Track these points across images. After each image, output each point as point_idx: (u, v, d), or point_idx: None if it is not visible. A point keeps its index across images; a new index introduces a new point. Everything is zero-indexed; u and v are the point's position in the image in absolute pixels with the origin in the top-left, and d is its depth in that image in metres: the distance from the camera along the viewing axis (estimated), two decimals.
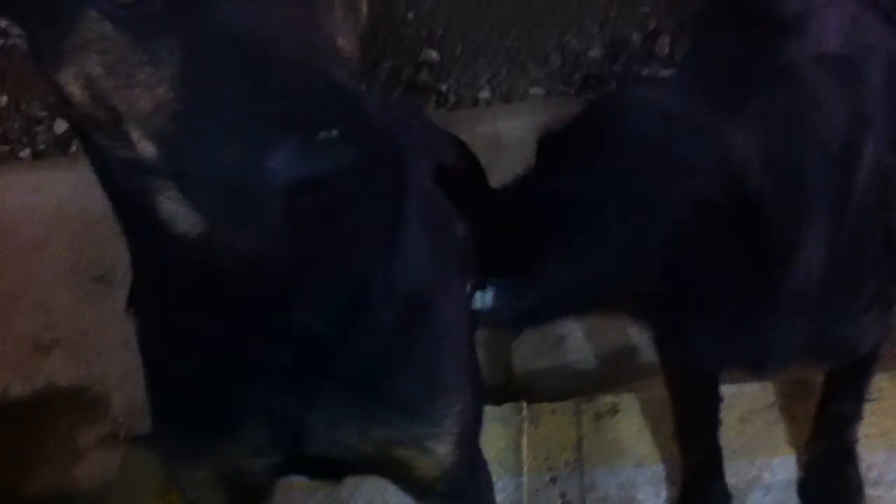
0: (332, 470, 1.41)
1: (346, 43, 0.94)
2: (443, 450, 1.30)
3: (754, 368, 1.75)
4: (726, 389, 2.03)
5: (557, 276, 1.45)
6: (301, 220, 0.82)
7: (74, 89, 0.90)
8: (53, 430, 2.62)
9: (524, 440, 2.12)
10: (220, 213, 0.86)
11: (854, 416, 1.91)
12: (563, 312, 1.59)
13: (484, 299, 1.38)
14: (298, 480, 1.45)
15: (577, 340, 2.57)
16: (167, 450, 1.34)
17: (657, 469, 2.04)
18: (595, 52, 3.98)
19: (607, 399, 2.18)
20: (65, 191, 3.48)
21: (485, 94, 3.89)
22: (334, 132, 0.78)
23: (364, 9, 0.99)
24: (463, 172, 1.84)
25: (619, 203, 1.40)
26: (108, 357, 2.78)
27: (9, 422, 2.67)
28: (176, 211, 0.99)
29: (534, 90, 3.84)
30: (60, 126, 3.94)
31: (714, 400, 1.91)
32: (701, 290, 1.58)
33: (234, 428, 1.23)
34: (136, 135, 0.90)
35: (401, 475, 1.37)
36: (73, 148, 3.84)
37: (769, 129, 1.41)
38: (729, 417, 2.06)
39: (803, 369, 1.97)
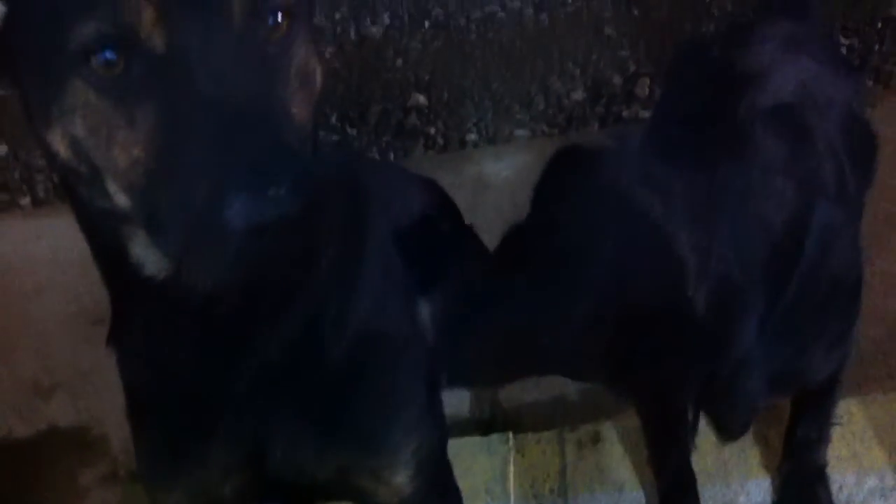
0: (301, 497, 1.48)
1: (299, 111, 1.05)
2: (400, 480, 1.40)
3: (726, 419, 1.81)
4: (702, 416, 2.13)
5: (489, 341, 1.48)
6: (254, 259, 0.93)
7: (60, 147, 1.00)
8: (55, 470, 2.69)
9: (510, 469, 2.20)
10: (183, 254, 0.96)
11: (821, 440, 1.99)
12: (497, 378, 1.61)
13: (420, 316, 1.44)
14: None
15: None
16: (144, 473, 1.43)
17: (638, 494, 2.12)
18: (577, 95, 4.10)
19: (589, 428, 2.26)
20: (64, 238, 3.52)
21: (472, 137, 3.99)
22: (281, 187, 0.89)
23: (319, 80, 1.11)
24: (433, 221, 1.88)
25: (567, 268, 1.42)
26: (108, 398, 2.80)
27: (12, 463, 2.74)
28: (144, 255, 1.11)
29: (519, 132, 3.96)
30: None
31: (683, 427, 1.97)
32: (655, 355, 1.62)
33: (200, 452, 1.33)
34: (112, 187, 1.00)
35: (364, 501, 1.46)
36: None
37: (715, 207, 1.47)
38: (704, 442, 2.14)
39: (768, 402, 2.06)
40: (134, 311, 1.22)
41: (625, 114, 3.89)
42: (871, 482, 2.06)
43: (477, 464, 2.20)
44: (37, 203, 3.93)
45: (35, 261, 3.49)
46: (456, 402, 2.58)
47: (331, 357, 1.31)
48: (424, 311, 1.48)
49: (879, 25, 4.22)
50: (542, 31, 4.72)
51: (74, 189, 1.10)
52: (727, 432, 1.53)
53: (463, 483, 2.13)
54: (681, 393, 1.88)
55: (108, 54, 0.94)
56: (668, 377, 1.69)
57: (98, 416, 2.82)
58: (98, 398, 2.86)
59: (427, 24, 4.80)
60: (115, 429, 2.75)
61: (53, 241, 3.56)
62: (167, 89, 0.94)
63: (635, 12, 4.66)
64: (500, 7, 4.92)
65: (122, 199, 1.01)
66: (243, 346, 1.21)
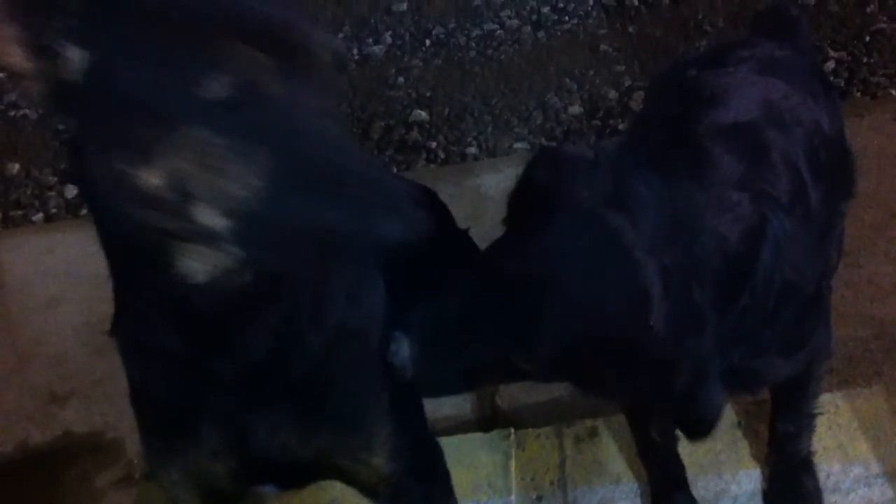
0: (292, 478, 1.60)
1: None
2: (377, 461, 1.52)
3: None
4: None
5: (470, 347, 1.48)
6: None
7: (152, 178, 1.07)
8: (71, 475, 2.75)
9: (511, 463, 2.29)
10: (279, 261, 1.14)
11: (801, 433, 2.07)
12: (473, 381, 1.66)
13: (400, 353, 1.44)
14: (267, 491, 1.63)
15: None
16: (147, 453, 1.53)
17: (633, 485, 2.21)
18: (574, 109, 4.19)
19: (587, 423, 2.35)
20: (76, 252, 3.64)
21: (472, 150, 4.07)
22: (418, 211, 1.11)
23: None
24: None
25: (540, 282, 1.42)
26: (121, 405, 2.80)
27: (30, 468, 2.80)
28: (190, 265, 1.19)
29: (518, 145, 4.04)
30: (71, 191, 4.13)
31: (667, 425, 2.05)
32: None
33: (192, 433, 1.43)
34: (204, 211, 1.09)
35: (347, 481, 1.58)
36: (84, 211, 4.03)
37: (677, 225, 1.51)
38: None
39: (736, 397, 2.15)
40: (148, 306, 1.29)
41: (620, 127, 3.96)
42: (857, 471, 2.15)
43: (479, 459, 2.29)
44: (49, 219, 4.02)
45: (48, 274, 3.55)
46: (459, 402, 2.66)
47: (310, 349, 1.39)
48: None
49: (867, 39, 4.32)
50: (539, 48, 4.83)
51: (118, 209, 1.15)
52: (694, 435, 1.59)
53: (466, 478, 2.22)
54: (648, 402, 1.96)
55: (231, 105, 1.07)
56: (639, 391, 1.74)
57: (111, 421, 2.88)
58: (111, 404, 2.93)
59: (428, 42, 4.91)
60: (129, 433, 2.78)
61: (66, 255, 3.64)
62: (279, 130, 1.09)
63: (630, 29, 4.77)
64: (498, 25, 5.03)
65: (217, 221, 1.09)
66: (240, 337, 1.31)
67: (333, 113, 1.16)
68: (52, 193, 4.16)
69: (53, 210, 4.07)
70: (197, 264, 1.20)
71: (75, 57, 1.06)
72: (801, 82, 1.92)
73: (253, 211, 1.08)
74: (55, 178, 4.24)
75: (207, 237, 1.13)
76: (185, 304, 1.25)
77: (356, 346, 1.45)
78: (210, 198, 1.08)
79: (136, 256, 1.22)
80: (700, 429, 1.53)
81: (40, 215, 4.06)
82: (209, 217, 1.10)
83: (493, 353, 1.47)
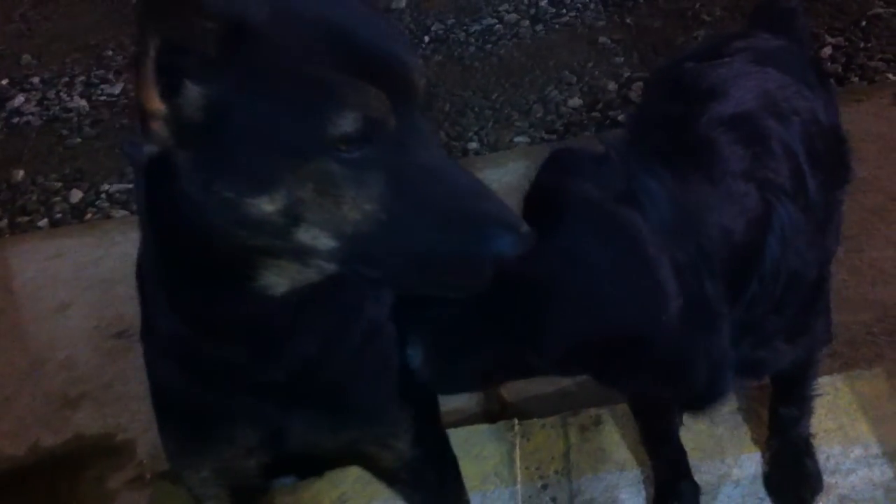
0: (313, 468, 1.67)
1: None
2: (401, 445, 1.58)
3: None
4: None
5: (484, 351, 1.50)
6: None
7: (266, 206, 1.13)
8: (84, 476, 2.78)
9: (517, 453, 2.32)
10: (390, 279, 1.23)
11: (801, 416, 2.10)
12: (487, 379, 1.69)
13: (414, 358, 1.47)
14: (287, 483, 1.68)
15: None
16: (174, 453, 1.57)
17: (637, 472, 2.24)
18: (574, 102, 4.22)
19: (591, 412, 2.37)
20: (83, 256, 3.69)
21: (473, 145, 4.09)
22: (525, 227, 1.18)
23: None
24: None
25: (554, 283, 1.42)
26: (132, 406, 2.94)
27: (43, 472, 2.83)
28: (273, 280, 1.25)
29: (518, 139, 4.06)
30: (76, 195, 4.18)
31: (669, 409, 2.09)
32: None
33: (227, 432, 1.48)
34: (314, 234, 1.16)
35: (370, 466, 1.65)
36: (88, 216, 4.07)
37: (687, 219, 1.52)
38: (700, 421, 2.26)
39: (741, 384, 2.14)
40: (209, 314, 1.31)
41: (620, 118, 3.97)
42: (857, 452, 2.17)
43: (485, 450, 2.32)
44: (55, 224, 4.06)
45: (57, 279, 3.60)
46: (465, 395, 2.69)
47: (350, 348, 1.47)
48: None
49: (864, 24, 4.34)
50: (538, 42, 4.85)
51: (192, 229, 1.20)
52: (703, 415, 1.61)
53: (473, 468, 2.25)
54: (662, 395, 1.99)
55: (356, 139, 1.13)
56: (648, 387, 1.76)
57: (123, 423, 2.92)
58: (122, 406, 2.97)
59: (427, 39, 4.93)
60: (140, 434, 2.84)
61: (73, 260, 3.68)
62: (394, 158, 1.16)
63: (628, 21, 4.79)
64: (497, 20, 5.06)
65: (326, 243, 1.17)
66: (290, 344, 1.37)
67: (437, 138, 1.21)
68: (58, 199, 4.20)
69: (59, 215, 4.11)
70: (280, 279, 1.26)
71: (206, 95, 1.11)
72: (797, 72, 1.94)
73: (363, 233, 1.16)
74: (60, 184, 4.29)
75: (308, 256, 1.20)
76: (251, 314, 1.30)
77: (381, 340, 1.51)
78: (322, 222, 1.15)
79: (209, 271, 1.25)
80: (703, 411, 1.56)
81: (46, 221, 4.09)
82: (316, 239, 1.17)
83: (508, 354, 1.49)
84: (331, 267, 1.22)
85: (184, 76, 1.10)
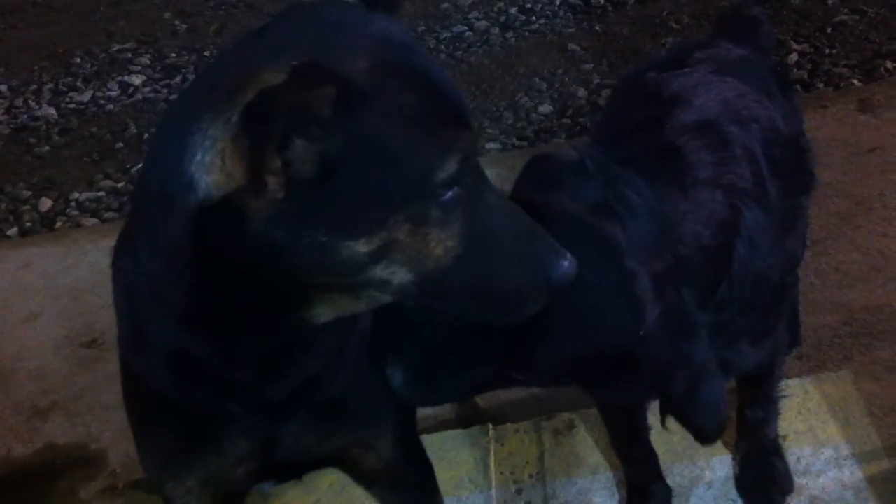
0: (295, 472, 1.70)
1: None
2: (384, 446, 1.64)
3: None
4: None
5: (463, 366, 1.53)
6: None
7: (361, 248, 1.18)
8: (56, 487, 2.75)
9: (491, 458, 2.33)
10: (462, 310, 1.32)
11: (768, 418, 2.13)
12: (466, 395, 1.71)
13: (395, 376, 1.51)
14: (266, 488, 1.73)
15: None
16: (158, 465, 1.57)
17: (610, 476, 2.26)
18: (544, 108, 4.25)
19: (564, 416, 2.39)
20: (52, 265, 3.66)
21: None
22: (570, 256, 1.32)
23: None
24: None
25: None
26: (103, 416, 2.91)
27: (14, 483, 2.80)
28: (323, 310, 1.29)
29: (490, 146, 4.07)
30: (45, 204, 4.15)
31: (638, 412, 2.11)
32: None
33: (217, 443, 1.50)
34: (393, 270, 1.22)
35: (351, 469, 1.70)
36: (58, 224, 4.05)
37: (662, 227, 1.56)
38: (672, 423, 2.27)
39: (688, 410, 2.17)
40: (237, 337, 1.33)
41: (590, 125, 4.02)
42: (827, 453, 2.20)
43: (459, 455, 2.33)
44: (24, 233, 4.03)
45: (27, 288, 3.56)
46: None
47: (348, 363, 1.52)
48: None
49: (829, 31, 4.40)
50: (508, 49, 4.88)
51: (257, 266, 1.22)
52: (703, 436, 1.62)
53: (447, 474, 2.26)
54: (644, 402, 2.01)
55: (452, 181, 1.22)
56: (631, 395, 1.80)
57: (94, 432, 2.89)
58: (93, 416, 2.94)
59: None
60: (112, 443, 2.82)
61: (43, 269, 3.65)
62: (471, 197, 1.26)
63: (597, 28, 4.83)
64: (467, 27, 5.08)
65: (404, 276, 1.23)
66: (301, 362, 1.42)
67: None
68: (27, 208, 4.17)
69: (28, 224, 4.08)
70: (329, 310, 1.30)
71: (316, 151, 1.14)
72: (756, 82, 1.98)
73: (441, 268, 1.24)
74: (29, 193, 4.26)
75: (373, 290, 1.25)
76: (278, 340, 1.34)
77: (364, 350, 1.56)
78: (405, 260, 1.22)
79: (256, 302, 1.27)
80: (706, 430, 1.57)
81: (15, 230, 4.06)
82: (394, 274, 1.23)
83: (492, 371, 1.51)
84: (388, 299, 1.27)
85: (294, 134, 1.12)
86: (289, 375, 1.41)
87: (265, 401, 1.43)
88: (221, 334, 1.32)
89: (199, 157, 1.13)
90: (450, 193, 1.22)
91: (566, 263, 1.31)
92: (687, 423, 1.58)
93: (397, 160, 1.17)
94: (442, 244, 1.23)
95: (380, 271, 1.22)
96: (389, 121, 1.17)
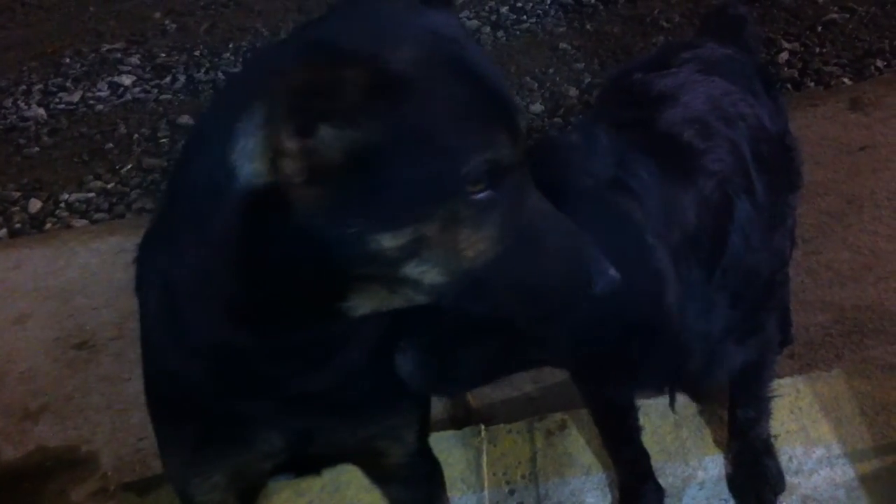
0: (317, 465, 1.70)
1: None
2: (410, 437, 1.64)
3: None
4: (661, 400, 2.27)
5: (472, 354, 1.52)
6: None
7: (388, 242, 1.17)
8: (47, 490, 2.73)
9: (484, 459, 2.33)
10: (501, 314, 1.31)
11: (759, 417, 2.13)
12: (478, 383, 1.73)
13: (405, 365, 1.50)
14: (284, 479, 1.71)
15: (530, 371, 2.78)
16: (184, 461, 1.57)
17: (603, 476, 2.26)
18: (536, 107, 4.24)
19: (557, 417, 2.39)
20: (42, 266, 3.64)
21: None
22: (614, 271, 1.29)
23: None
24: None
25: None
26: (94, 418, 2.91)
27: (4, 485, 2.78)
28: (360, 303, 1.28)
29: None
30: (34, 205, 4.13)
31: (629, 413, 2.12)
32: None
33: (252, 437, 1.52)
34: (424, 269, 1.21)
35: (373, 463, 1.69)
36: (48, 226, 4.03)
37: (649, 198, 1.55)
38: (664, 424, 2.29)
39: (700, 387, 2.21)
40: (279, 332, 1.34)
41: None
42: (819, 452, 2.20)
43: (451, 456, 2.32)
44: (14, 234, 4.01)
45: (16, 290, 3.54)
46: (432, 400, 2.70)
47: (383, 356, 1.50)
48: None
49: (820, 30, 4.41)
50: (500, 48, 4.87)
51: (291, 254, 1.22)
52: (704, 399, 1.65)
53: None
54: (623, 394, 2.04)
55: (485, 181, 1.20)
56: (653, 374, 1.81)
57: (85, 434, 2.88)
58: (84, 418, 2.93)
59: None
60: (103, 446, 2.82)
61: (32, 270, 3.63)
62: (509, 200, 1.23)
63: (588, 27, 4.83)
64: None
65: (433, 277, 1.22)
66: (342, 355, 1.42)
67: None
68: (16, 209, 4.15)
69: (18, 225, 4.06)
70: (367, 303, 1.29)
71: (347, 138, 1.13)
72: (742, 81, 2.00)
73: (473, 269, 1.22)
74: (18, 194, 4.24)
75: (406, 288, 1.25)
76: (321, 331, 1.35)
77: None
78: (436, 259, 1.21)
79: (297, 292, 1.27)
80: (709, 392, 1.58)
81: (4, 231, 4.04)
82: (424, 273, 1.22)
83: (511, 351, 1.50)
84: (423, 299, 1.26)
85: (321, 120, 1.12)
86: (329, 368, 1.41)
87: (304, 393, 1.43)
88: (267, 326, 1.32)
89: (241, 145, 1.14)
90: (483, 194, 1.20)
91: (611, 274, 1.29)
92: (700, 398, 1.60)
93: (432, 155, 1.16)
94: (474, 246, 1.22)
95: (411, 269, 1.21)
96: (429, 114, 1.16)
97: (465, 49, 1.23)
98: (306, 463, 1.65)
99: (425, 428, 1.70)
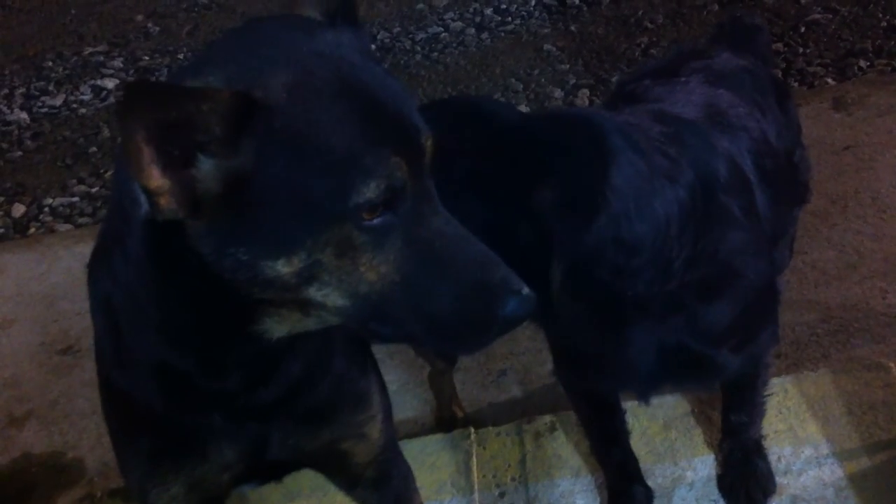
0: (277, 472, 1.69)
1: None
2: (375, 434, 1.63)
3: (627, 388, 1.96)
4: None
5: None
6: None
7: (283, 268, 1.17)
8: (33, 496, 2.73)
9: (473, 461, 2.32)
10: (400, 334, 1.28)
11: (752, 420, 2.13)
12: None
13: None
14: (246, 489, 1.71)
15: (518, 373, 2.80)
16: (143, 474, 1.56)
17: (592, 478, 2.25)
18: (521, 109, 4.23)
19: (546, 419, 2.38)
20: (26, 271, 3.62)
21: None
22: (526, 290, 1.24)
23: None
24: None
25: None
26: (79, 424, 2.90)
27: None
28: (272, 325, 1.28)
29: None
30: (18, 210, 4.10)
31: (615, 415, 2.13)
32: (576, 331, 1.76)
33: (207, 449, 1.50)
34: (326, 292, 1.20)
35: (338, 467, 1.68)
36: (32, 230, 4.00)
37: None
38: (653, 425, 2.29)
39: (689, 389, 2.26)
40: (207, 350, 1.34)
41: None
42: (807, 452, 2.21)
43: (440, 459, 2.32)
44: None
45: (0, 295, 3.53)
46: (419, 404, 2.70)
47: (330, 360, 1.53)
48: None
49: (803, 30, 4.43)
50: (484, 50, 4.88)
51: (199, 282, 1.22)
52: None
53: (429, 478, 2.25)
54: (603, 388, 2.06)
55: (378, 206, 1.18)
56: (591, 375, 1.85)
57: (71, 441, 2.87)
58: (69, 424, 2.92)
59: (373, 47, 4.90)
60: (89, 452, 2.81)
61: (16, 275, 3.62)
62: (410, 222, 1.22)
63: (572, 28, 4.83)
64: (443, 28, 5.07)
65: (336, 300, 1.22)
66: (281, 370, 1.42)
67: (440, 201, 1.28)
68: None
69: (1, 230, 4.03)
70: (280, 326, 1.29)
71: (222, 168, 1.13)
72: (751, 95, 2.00)
73: (376, 293, 1.21)
74: (2, 198, 4.22)
75: (314, 309, 1.23)
76: (248, 351, 1.34)
77: (344, 336, 1.57)
78: (336, 283, 1.20)
79: (211, 315, 1.28)
80: None
81: None
82: (327, 297, 1.21)
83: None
84: (335, 320, 1.26)
85: (195, 150, 1.12)
86: (271, 383, 1.41)
87: (251, 407, 1.43)
88: (195, 345, 1.32)
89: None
90: (379, 220, 1.19)
91: (521, 296, 1.25)
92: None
93: (313, 181, 1.15)
94: (375, 270, 1.21)
95: (313, 292, 1.21)
96: (304, 140, 1.14)
97: (355, 69, 1.21)
98: (267, 471, 1.64)
99: (389, 422, 1.68)
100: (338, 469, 1.69)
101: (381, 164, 1.17)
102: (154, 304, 1.28)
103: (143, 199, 1.14)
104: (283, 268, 1.17)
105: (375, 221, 1.19)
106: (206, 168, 1.13)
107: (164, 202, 1.12)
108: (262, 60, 1.17)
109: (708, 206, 1.68)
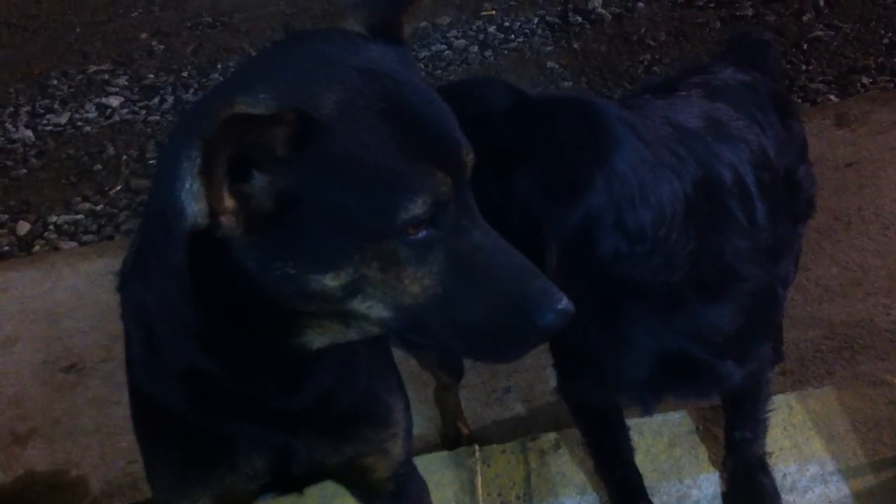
0: (300, 483, 1.71)
1: None
2: (397, 449, 1.65)
3: (629, 395, 1.96)
4: (655, 419, 2.27)
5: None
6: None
7: (330, 282, 1.19)
8: None
9: (478, 479, 2.31)
10: (434, 345, 1.31)
11: (755, 436, 2.13)
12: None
13: None
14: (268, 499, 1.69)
15: (521, 390, 2.79)
16: (170, 484, 1.58)
17: (596, 496, 2.24)
18: None
19: (550, 436, 2.38)
20: (30, 289, 3.63)
21: None
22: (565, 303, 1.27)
23: None
24: None
25: None
26: (83, 441, 2.90)
27: None
28: (314, 335, 1.31)
29: None
30: (23, 227, 4.12)
31: (619, 431, 2.13)
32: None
33: (235, 459, 1.53)
34: (370, 304, 1.23)
35: (359, 480, 1.70)
36: (36, 248, 4.01)
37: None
38: (658, 443, 2.28)
39: (689, 399, 2.24)
40: (242, 358, 1.36)
41: None
42: (813, 469, 2.20)
43: (445, 477, 2.31)
44: (1, 257, 3.99)
45: (3, 313, 3.53)
46: (423, 421, 2.69)
47: (359, 371, 1.55)
48: None
49: (805, 47, 4.44)
50: (487, 67, 4.88)
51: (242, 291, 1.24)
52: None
53: (434, 496, 2.22)
54: (603, 399, 2.06)
55: (423, 221, 1.21)
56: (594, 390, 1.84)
57: (74, 458, 2.87)
58: (73, 441, 2.92)
59: None
60: (92, 469, 2.81)
61: (20, 293, 3.62)
62: (452, 236, 1.24)
63: (575, 45, 4.85)
64: (446, 46, 5.08)
65: (379, 312, 1.24)
66: (312, 380, 1.45)
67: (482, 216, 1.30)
68: (4, 231, 4.14)
69: (6, 248, 4.05)
70: (321, 337, 1.31)
71: (276, 185, 1.15)
72: (749, 110, 2.01)
73: (418, 305, 1.24)
74: (6, 216, 4.23)
75: (357, 321, 1.27)
76: (284, 359, 1.37)
77: (381, 351, 1.62)
78: (380, 295, 1.23)
79: (252, 326, 1.30)
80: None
81: None
82: (371, 309, 1.24)
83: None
84: (375, 331, 1.28)
85: (252, 168, 1.14)
86: (303, 391, 1.43)
87: (281, 415, 1.45)
88: (232, 353, 1.35)
89: (187, 185, 1.14)
90: (423, 234, 1.22)
91: (560, 307, 1.27)
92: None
93: (361, 198, 1.17)
94: (418, 283, 1.23)
95: (357, 304, 1.23)
96: (354, 158, 1.17)
97: (399, 86, 1.23)
98: (290, 482, 1.66)
99: (409, 439, 1.70)
100: (359, 482, 1.72)
101: (426, 182, 1.20)
102: (193, 312, 1.29)
103: (190, 210, 1.15)
104: (331, 282, 1.20)
105: (419, 236, 1.21)
106: (260, 185, 1.15)
107: (226, 220, 1.15)
108: (311, 78, 1.20)
109: (714, 208, 1.70)
